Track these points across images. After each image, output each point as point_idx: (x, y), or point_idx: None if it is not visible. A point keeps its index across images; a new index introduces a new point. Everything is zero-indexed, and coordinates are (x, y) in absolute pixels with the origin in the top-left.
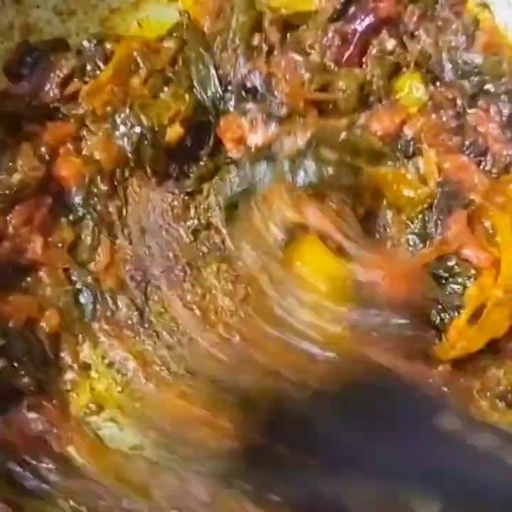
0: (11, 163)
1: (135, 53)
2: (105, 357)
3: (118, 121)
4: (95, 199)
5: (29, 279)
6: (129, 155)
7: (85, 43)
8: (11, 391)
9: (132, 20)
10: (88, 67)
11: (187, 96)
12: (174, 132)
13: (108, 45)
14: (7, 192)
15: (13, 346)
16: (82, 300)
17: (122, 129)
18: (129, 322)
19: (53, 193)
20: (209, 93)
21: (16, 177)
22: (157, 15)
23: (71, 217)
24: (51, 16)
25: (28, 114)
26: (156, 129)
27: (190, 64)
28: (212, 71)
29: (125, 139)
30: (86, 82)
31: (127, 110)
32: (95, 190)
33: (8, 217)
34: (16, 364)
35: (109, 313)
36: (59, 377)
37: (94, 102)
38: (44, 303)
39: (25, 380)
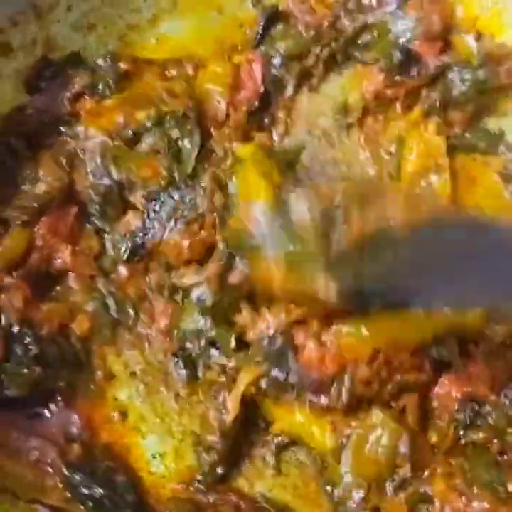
0: (33, 174)
1: (153, 93)
2: (127, 366)
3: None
4: (113, 212)
5: (59, 287)
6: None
7: (100, 61)
8: (44, 395)
9: (150, 36)
10: (100, 86)
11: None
12: None
13: (122, 65)
14: (34, 204)
15: (47, 353)
16: (108, 307)
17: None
18: (150, 332)
19: (78, 202)
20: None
21: (41, 188)
22: (173, 31)
23: (95, 227)
24: (71, 31)
25: (43, 128)
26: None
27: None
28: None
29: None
30: (97, 101)
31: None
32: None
33: (35, 229)
34: (49, 370)
35: (131, 323)
36: (90, 382)
37: (91, 122)
38: (74, 309)
39: (59, 384)
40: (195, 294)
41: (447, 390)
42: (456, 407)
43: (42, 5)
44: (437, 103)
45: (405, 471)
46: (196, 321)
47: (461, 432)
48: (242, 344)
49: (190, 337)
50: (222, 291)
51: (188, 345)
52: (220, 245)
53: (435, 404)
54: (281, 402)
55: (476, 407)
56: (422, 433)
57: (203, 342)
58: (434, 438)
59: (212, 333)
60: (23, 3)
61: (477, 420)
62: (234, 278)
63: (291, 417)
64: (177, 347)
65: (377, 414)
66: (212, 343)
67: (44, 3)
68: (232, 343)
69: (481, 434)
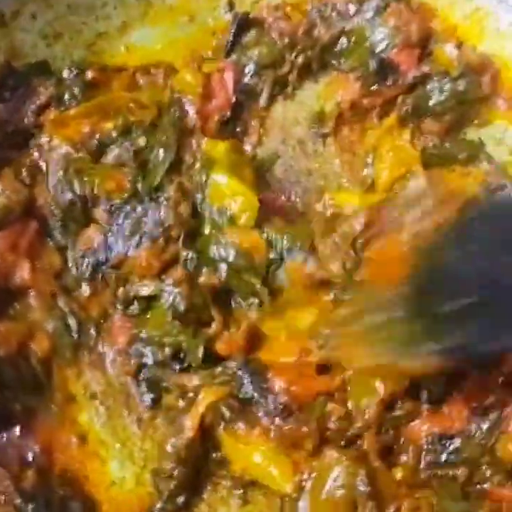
0: None
1: (120, 103)
2: (88, 388)
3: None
4: (75, 227)
5: (18, 305)
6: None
7: (65, 73)
8: (2, 418)
9: (119, 44)
10: (66, 96)
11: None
12: None
13: (89, 73)
14: None
15: (4, 374)
16: (69, 327)
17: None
18: (112, 354)
19: (38, 217)
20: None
21: None
22: (144, 40)
23: (56, 243)
24: (37, 39)
25: (4, 140)
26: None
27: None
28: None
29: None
30: (62, 111)
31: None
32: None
33: None
34: (6, 393)
35: (92, 343)
36: (49, 404)
37: (55, 132)
38: (34, 328)
39: (16, 407)
40: (166, 300)
41: (418, 425)
42: (423, 442)
43: (5, 12)
44: (410, 110)
45: (368, 510)
46: (162, 329)
47: (432, 470)
48: (209, 358)
49: (151, 349)
50: (192, 292)
51: (147, 360)
52: (184, 253)
53: (402, 439)
54: (240, 434)
55: (447, 443)
56: (385, 469)
57: (167, 351)
58: (399, 474)
59: (180, 338)
60: None
61: (450, 456)
62: (204, 279)
63: (248, 458)
64: (135, 365)
65: (331, 455)
66: (175, 355)
67: (7, 9)
68: (201, 351)
69: (459, 471)
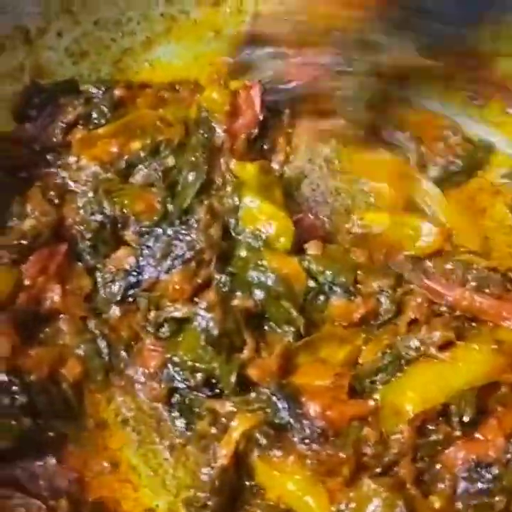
0: (20, 209)
1: (146, 121)
2: (119, 413)
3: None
4: (104, 249)
5: (48, 329)
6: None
7: (93, 90)
8: (32, 446)
9: (144, 61)
10: (94, 115)
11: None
12: None
13: (117, 92)
14: (22, 242)
15: (36, 401)
16: (99, 350)
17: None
18: (142, 378)
19: (67, 238)
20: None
21: (28, 223)
22: (168, 56)
23: (86, 265)
24: (63, 57)
25: (31, 158)
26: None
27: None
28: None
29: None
30: (90, 130)
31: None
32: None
33: (23, 268)
34: (39, 421)
35: (122, 366)
36: (81, 431)
37: (83, 152)
38: (65, 352)
39: (49, 435)
40: (198, 323)
41: (454, 452)
42: (459, 470)
43: (31, 29)
44: None
45: None
46: (194, 353)
47: (469, 499)
48: (242, 384)
49: (183, 375)
50: (225, 316)
51: (178, 385)
52: (217, 276)
53: (438, 466)
54: (275, 461)
55: (484, 471)
56: (422, 498)
57: (199, 377)
58: (436, 503)
59: (214, 365)
60: (9, 27)
61: (488, 484)
62: (239, 302)
63: (284, 486)
64: (166, 390)
65: (368, 485)
66: (206, 381)
67: (33, 27)
68: (234, 377)
69: (496, 500)
